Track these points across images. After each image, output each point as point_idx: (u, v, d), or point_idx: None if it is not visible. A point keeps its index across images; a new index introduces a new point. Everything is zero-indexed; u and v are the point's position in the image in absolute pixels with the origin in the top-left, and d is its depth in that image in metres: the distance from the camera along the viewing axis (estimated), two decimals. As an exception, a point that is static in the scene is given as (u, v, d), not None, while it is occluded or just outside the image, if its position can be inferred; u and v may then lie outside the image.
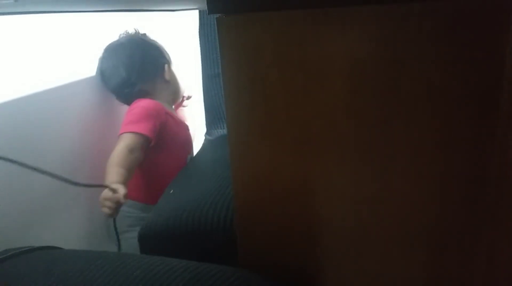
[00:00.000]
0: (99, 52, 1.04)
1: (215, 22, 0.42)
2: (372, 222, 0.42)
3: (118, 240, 0.86)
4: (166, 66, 1.08)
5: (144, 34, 1.11)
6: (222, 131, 1.17)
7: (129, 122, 0.94)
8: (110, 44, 1.05)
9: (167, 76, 1.08)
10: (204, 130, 1.25)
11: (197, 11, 1.18)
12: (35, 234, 0.81)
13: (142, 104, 0.99)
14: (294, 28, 0.39)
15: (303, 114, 0.42)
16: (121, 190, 0.77)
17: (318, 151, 0.42)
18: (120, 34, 1.08)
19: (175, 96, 1.13)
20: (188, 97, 1.23)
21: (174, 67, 1.12)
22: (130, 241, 0.90)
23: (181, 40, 1.32)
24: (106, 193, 0.78)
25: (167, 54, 1.11)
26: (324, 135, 0.41)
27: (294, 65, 0.41)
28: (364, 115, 0.39)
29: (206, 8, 0.42)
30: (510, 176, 0.35)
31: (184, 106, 1.23)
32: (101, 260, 0.49)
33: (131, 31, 1.09)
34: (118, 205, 0.77)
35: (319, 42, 0.39)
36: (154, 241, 0.72)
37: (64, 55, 0.91)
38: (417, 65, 0.36)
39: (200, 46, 1.18)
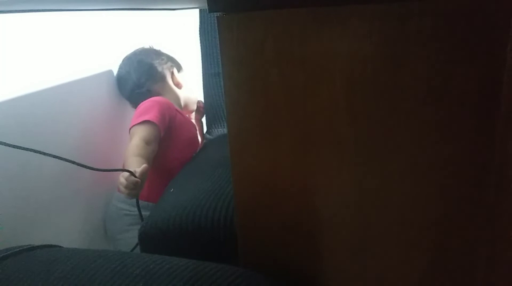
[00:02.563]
0: (100, 50, 1.06)
1: (216, 21, 0.42)
2: (372, 222, 0.42)
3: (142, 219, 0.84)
4: (174, 70, 1.13)
5: (159, 50, 1.17)
6: (222, 130, 1.17)
7: (139, 115, 0.96)
8: (126, 55, 1.12)
9: (175, 81, 1.13)
10: (205, 129, 1.25)
11: (197, 10, 1.18)
12: (34, 233, 0.81)
13: (152, 99, 1.02)
14: (295, 26, 0.39)
15: (303, 113, 0.42)
16: (140, 169, 0.77)
17: (318, 150, 0.42)
18: (137, 49, 1.15)
19: (183, 101, 1.17)
20: (203, 114, 1.26)
21: (185, 75, 1.16)
22: (131, 241, 0.90)
23: (181, 39, 1.33)
24: (124, 174, 0.78)
25: (178, 62, 1.17)
26: (324, 134, 0.41)
27: (295, 64, 0.40)
28: (364, 115, 0.39)
29: (206, 7, 0.42)
30: (510, 176, 0.35)
31: (200, 120, 1.26)
32: (101, 259, 0.49)
33: (146, 46, 1.16)
34: (136, 184, 0.77)
35: (320, 41, 0.39)
36: (154, 240, 0.72)
37: (65, 53, 0.91)
38: (417, 65, 0.36)
39: (201, 45, 1.18)
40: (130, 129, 0.95)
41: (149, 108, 0.97)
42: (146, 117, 0.93)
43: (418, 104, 0.37)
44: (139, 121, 0.94)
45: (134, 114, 0.99)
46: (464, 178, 0.37)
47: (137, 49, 1.15)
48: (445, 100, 0.36)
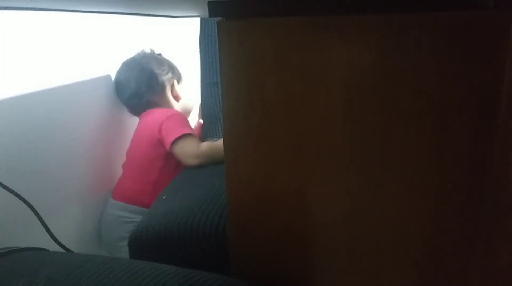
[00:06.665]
0: (99, 54, 1.05)
1: (216, 26, 0.42)
2: (366, 231, 0.42)
3: None
4: (175, 81, 1.13)
5: (160, 54, 1.16)
6: (218, 139, 1.17)
7: (180, 126, 1.01)
8: (125, 60, 1.11)
9: (174, 93, 1.13)
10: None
11: (198, 19, 1.19)
12: (26, 234, 0.80)
13: (173, 111, 1.06)
14: (294, 34, 0.39)
15: (300, 121, 0.41)
16: None
17: (314, 158, 0.42)
18: (137, 53, 1.14)
19: (183, 112, 1.16)
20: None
21: (184, 85, 1.17)
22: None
23: (181, 46, 1.33)
24: None
25: (179, 72, 1.17)
26: (320, 143, 0.41)
27: (293, 72, 0.40)
28: (361, 125, 0.39)
29: (207, 15, 0.42)
30: (506, 189, 0.35)
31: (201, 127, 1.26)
32: (89, 264, 0.48)
33: (147, 50, 1.15)
34: None
35: (318, 49, 0.39)
36: (144, 246, 0.70)
37: (63, 55, 0.91)
38: (415, 76, 0.36)
39: (200, 53, 1.19)
40: (180, 136, 0.97)
41: (183, 121, 1.04)
42: (186, 130, 1.00)
43: (415, 115, 0.37)
44: (181, 134, 0.98)
45: (166, 123, 1.00)
46: (460, 189, 0.37)
47: (137, 54, 1.13)
48: (443, 112, 0.36)
